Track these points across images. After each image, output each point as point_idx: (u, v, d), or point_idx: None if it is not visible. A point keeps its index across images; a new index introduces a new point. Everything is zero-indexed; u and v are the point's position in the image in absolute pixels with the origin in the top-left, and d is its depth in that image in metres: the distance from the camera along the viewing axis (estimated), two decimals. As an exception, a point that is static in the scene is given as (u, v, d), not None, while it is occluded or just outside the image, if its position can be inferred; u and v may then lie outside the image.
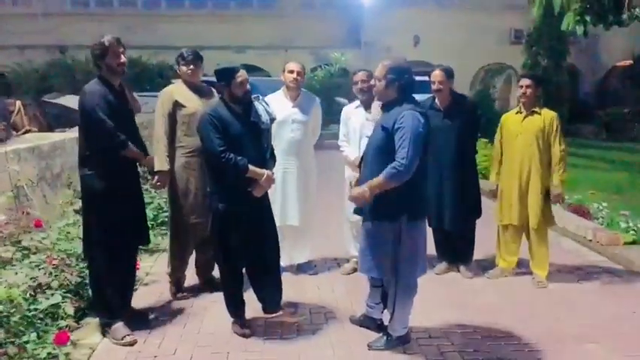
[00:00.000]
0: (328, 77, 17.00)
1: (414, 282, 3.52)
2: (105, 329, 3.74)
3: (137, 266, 4.26)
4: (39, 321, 3.43)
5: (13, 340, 3.18)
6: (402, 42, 19.18)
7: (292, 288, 4.43)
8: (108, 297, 3.69)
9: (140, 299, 4.32)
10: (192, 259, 4.59)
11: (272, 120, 3.79)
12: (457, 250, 4.97)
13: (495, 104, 16.82)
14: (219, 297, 4.04)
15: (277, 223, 4.04)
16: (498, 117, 5.09)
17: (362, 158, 3.62)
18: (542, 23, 14.47)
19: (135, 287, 4.25)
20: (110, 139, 3.56)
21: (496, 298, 4.48)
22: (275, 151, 3.96)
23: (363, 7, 19.83)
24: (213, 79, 3.70)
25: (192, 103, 4.24)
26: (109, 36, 3.61)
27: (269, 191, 3.81)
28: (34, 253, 4.14)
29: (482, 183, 5.22)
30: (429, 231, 4.05)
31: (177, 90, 4.34)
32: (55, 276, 3.86)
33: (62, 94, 11.95)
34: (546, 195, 4.67)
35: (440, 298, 4.39)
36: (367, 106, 4.65)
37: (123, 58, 3.65)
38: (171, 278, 4.49)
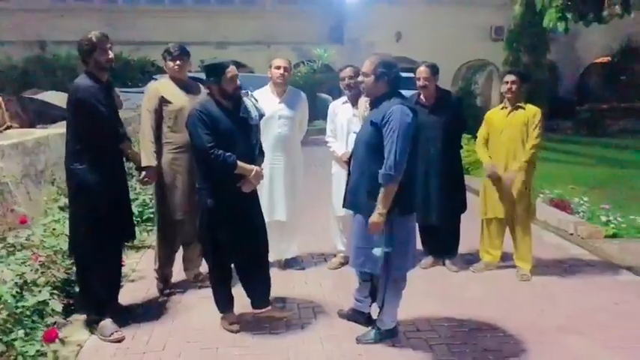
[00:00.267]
0: (311, 73, 17.01)
1: (404, 276, 3.56)
2: (93, 326, 3.73)
3: (122, 263, 4.24)
4: (26, 318, 3.40)
5: (0, 337, 3.15)
6: (385, 38, 19.24)
7: (280, 283, 4.44)
8: (95, 293, 3.68)
9: (127, 296, 4.32)
10: (179, 255, 4.58)
11: (261, 116, 3.80)
12: (443, 244, 5.03)
13: (477, 100, 16.96)
14: (207, 293, 4.06)
15: (265, 219, 4.06)
16: (480, 113, 5.14)
17: (351, 154, 3.65)
18: (523, 20, 14.60)
19: (121, 284, 4.23)
20: (111, 132, 3.60)
21: (481, 291, 4.55)
22: (262, 147, 3.98)
23: (345, 3, 19.86)
24: (199, 75, 3.70)
25: (179, 99, 4.23)
26: (96, 32, 3.60)
27: (257, 187, 3.82)
28: (20, 250, 4.10)
29: (465, 178, 5.27)
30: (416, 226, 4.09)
31: (163, 86, 4.32)
32: (42, 273, 3.83)
33: (42, 91, 11.80)
34: (529, 187, 4.75)
35: (426, 292, 4.44)
36: (354, 102, 4.68)
37: (111, 54, 3.65)
38: (159, 274, 4.49)
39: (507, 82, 4.74)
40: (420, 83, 4.73)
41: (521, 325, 3.89)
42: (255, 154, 3.74)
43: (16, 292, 3.54)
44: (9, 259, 3.94)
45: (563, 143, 13.74)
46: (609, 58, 21.05)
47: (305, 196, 5.08)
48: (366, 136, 3.40)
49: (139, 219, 5.92)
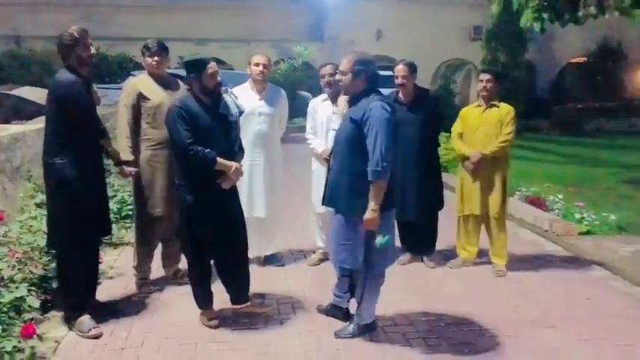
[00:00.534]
0: (291, 71, 17.02)
1: (383, 272, 3.61)
2: (70, 322, 3.71)
3: (100, 259, 4.22)
4: (3, 314, 3.37)
5: (-23, 333, 3.14)
6: (365, 36, 19.29)
7: (260, 279, 4.46)
8: (74, 289, 3.67)
9: (106, 292, 4.30)
10: (158, 252, 4.57)
11: (240, 112, 3.81)
12: (421, 241, 5.09)
13: (456, 99, 17.13)
14: (186, 289, 4.06)
15: (244, 215, 4.07)
16: (459, 111, 5.21)
17: (331, 150, 3.68)
18: (501, 20, 14.77)
19: (99, 280, 4.22)
20: (93, 127, 3.62)
21: (458, 287, 4.62)
22: (242, 144, 3.99)
23: (326, 1, 19.86)
24: (178, 71, 3.70)
25: (157, 96, 4.22)
26: (76, 27, 3.59)
27: (236, 183, 3.84)
28: (-4, 247, 4.06)
29: (443, 176, 5.33)
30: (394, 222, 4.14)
31: (141, 82, 4.31)
32: (19, 269, 3.80)
33: (18, 86, 11.61)
34: (504, 184, 4.83)
35: (404, 288, 4.49)
36: (334, 99, 4.71)
37: (92, 49, 3.65)
38: (137, 271, 4.47)
39: (482, 81, 4.82)
40: (398, 81, 4.79)
41: (496, 319, 3.96)
42: (234, 151, 3.75)
43: (-7, 288, 3.52)
44: (-15, 255, 3.91)
45: (539, 142, 13.96)
46: (585, 59, 21.37)
47: (284, 193, 5.11)
48: (346, 133, 3.43)
49: (117, 216, 5.90)
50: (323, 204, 3.73)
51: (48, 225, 3.73)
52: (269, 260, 5.05)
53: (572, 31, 13.29)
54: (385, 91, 3.83)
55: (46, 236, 3.89)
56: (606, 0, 6.87)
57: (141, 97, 4.20)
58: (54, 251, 3.86)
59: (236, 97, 3.83)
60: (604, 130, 16.70)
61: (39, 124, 5.82)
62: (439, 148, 5.16)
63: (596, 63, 20.91)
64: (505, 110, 4.80)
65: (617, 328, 3.84)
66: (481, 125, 4.82)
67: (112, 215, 4.53)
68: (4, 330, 3.25)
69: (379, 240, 3.38)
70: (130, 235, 5.31)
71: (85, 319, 3.67)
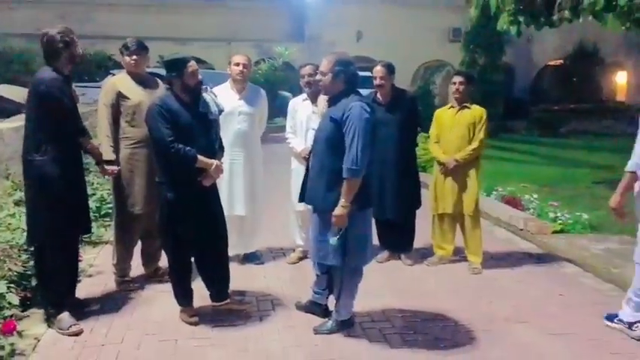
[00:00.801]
0: (272, 71, 17.04)
1: (361, 269, 3.68)
2: (50, 319, 3.71)
3: (80, 257, 4.22)
4: (-18, 312, 3.39)
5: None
6: (346, 37, 19.42)
7: (239, 277, 4.49)
8: (54, 286, 3.67)
9: (85, 290, 4.30)
10: (137, 250, 4.59)
11: (220, 111, 3.85)
12: (398, 239, 5.17)
13: (435, 100, 17.28)
14: (165, 287, 4.09)
15: (224, 214, 4.11)
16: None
17: (311, 150, 3.74)
18: (480, 23, 14.93)
19: (79, 279, 4.22)
20: (74, 125, 3.64)
21: (434, 284, 4.71)
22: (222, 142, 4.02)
23: (306, 2, 19.94)
24: (157, 70, 3.73)
25: (136, 95, 4.24)
26: (61, 26, 3.67)
27: (217, 182, 3.88)
28: (-26, 245, 4.05)
29: (421, 176, 5.42)
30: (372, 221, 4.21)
31: (120, 81, 4.33)
32: (-2, 267, 3.80)
33: (-5, 84, 11.47)
34: (476, 183, 4.93)
35: (382, 285, 4.57)
36: (314, 99, 4.77)
37: (80, 50, 3.69)
38: (117, 269, 4.48)
39: (455, 83, 4.93)
40: (376, 82, 4.87)
41: (471, 315, 4.05)
42: (215, 149, 3.79)
43: (-28, 285, 3.51)
44: (-36, 253, 3.90)
45: (516, 143, 14.16)
46: (562, 61, 21.72)
47: (264, 192, 5.15)
48: (326, 132, 3.48)
49: (96, 214, 5.88)
50: (300, 201, 3.78)
51: (27, 222, 3.72)
52: (249, 258, 5.09)
53: (550, 34, 13.54)
54: (364, 92, 3.90)
55: (25, 234, 3.89)
56: (580, 4, 7.00)
57: (120, 96, 4.21)
58: (33, 249, 3.85)
59: (215, 96, 3.87)
60: (580, 131, 16.95)
61: (18, 122, 5.79)
62: (417, 148, 5.25)
63: (573, 65, 21.30)
64: (477, 112, 4.90)
65: (587, 324, 3.95)
66: (454, 126, 4.92)
67: (91, 214, 4.53)
68: (-18, 327, 3.25)
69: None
70: (110, 234, 5.31)
71: (65, 317, 3.67)
